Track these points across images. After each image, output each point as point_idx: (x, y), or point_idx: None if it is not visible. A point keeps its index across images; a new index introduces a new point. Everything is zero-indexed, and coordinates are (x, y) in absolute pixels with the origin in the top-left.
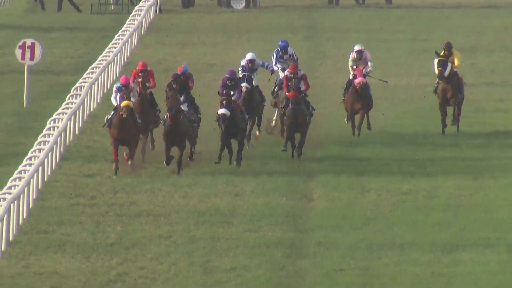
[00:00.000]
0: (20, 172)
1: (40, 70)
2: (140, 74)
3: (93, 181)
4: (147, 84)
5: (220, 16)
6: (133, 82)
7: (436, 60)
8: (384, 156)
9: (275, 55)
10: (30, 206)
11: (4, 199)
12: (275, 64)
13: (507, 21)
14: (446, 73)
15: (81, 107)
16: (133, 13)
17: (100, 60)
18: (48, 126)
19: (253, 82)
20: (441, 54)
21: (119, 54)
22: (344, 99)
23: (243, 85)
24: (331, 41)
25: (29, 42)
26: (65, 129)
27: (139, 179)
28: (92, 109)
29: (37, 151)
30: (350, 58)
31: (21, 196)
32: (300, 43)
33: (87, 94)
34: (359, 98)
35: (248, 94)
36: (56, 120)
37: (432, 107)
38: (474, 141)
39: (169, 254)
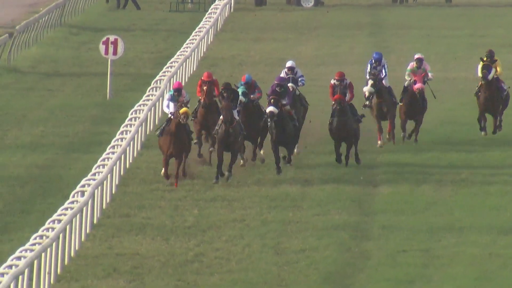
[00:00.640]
0: (103, 160)
1: (122, 64)
2: (205, 84)
3: (171, 168)
4: (213, 92)
5: (291, 14)
6: (199, 91)
7: (480, 65)
8: (443, 146)
9: (369, 66)
10: (113, 192)
11: (89, 185)
12: (367, 82)
13: None
14: (490, 76)
15: (160, 98)
16: (209, 11)
17: (178, 55)
18: (130, 116)
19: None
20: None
21: (196, 49)
22: (400, 105)
23: (289, 84)
24: (394, 37)
25: (112, 38)
26: (145, 120)
27: (214, 168)
28: None
29: (119, 140)
30: (409, 67)
31: (105, 182)
32: (365, 39)
33: (166, 87)
34: (416, 104)
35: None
36: (138, 111)
37: None
38: None
39: (243, 236)
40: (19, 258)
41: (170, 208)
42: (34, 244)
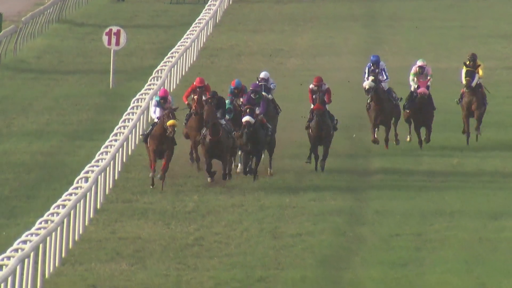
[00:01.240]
0: (106, 147)
1: (124, 54)
2: (197, 89)
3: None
4: (204, 98)
5: (288, 6)
6: (189, 97)
7: (463, 70)
8: (434, 134)
9: (367, 69)
10: (116, 178)
11: (92, 171)
12: (366, 77)
13: None
14: (474, 83)
15: (162, 88)
16: (209, 3)
17: (179, 46)
18: (132, 105)
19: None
20: (467, 63)
21: (196, 40)
22: (406, 111)
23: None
24: (388, 28)
25: (114, 29)
26: (147, 108)
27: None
28: (172, 89)
29: (122, 128)
30: (412, 72)
31: (108, 168)
32: (359, 30)
33: (167, 76)
34: (422, 110)
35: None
36: (139, 100)
37: None
38: None
39: (241, 221)
40: (25, 242)
41: (171, 194)
42: (39, 229)
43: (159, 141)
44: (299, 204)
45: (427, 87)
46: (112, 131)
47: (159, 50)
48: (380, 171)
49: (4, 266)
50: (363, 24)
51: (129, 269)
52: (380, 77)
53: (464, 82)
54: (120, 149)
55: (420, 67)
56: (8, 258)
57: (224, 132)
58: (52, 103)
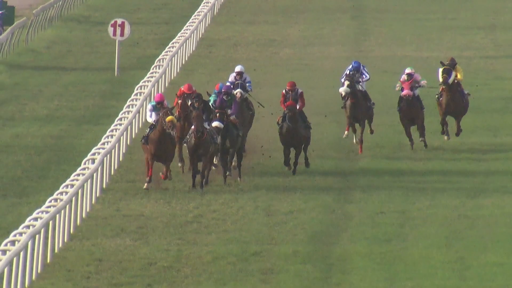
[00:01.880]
0: (112, 131)
1: (129, 45)
2: (184, 95)
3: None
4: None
5: None
6: (176, 102)
7: (440, 69)
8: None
9: (347, 71)
10: (120, 159)
11: (99, 153)
12: (342, 83)
13: None
14: (450, 80)
15: (163, 76)
16: None
17: (179, 36)
18: (135, 92)
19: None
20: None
21: (195, 31)
22: (398, 111)
23: (237, 91)
24: (374, 20)
25: (119, 21)
26: (150, 94)
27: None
28: (172, 77)
29: (126, 113)
30: (401, 79)
31: (113, 150)
32: (347, 21)
33: (168, 65)
34: (411, 110)
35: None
36: (142, 86)
37: None
38: (494, 105)
39: (237, 200)
40: (36, 219)
41: (172, 174)
42: (49, 207)
43: (158, 143)
44: (291, 184)
45: (411, 88)
46: (117, 116)
47: (160, 41)
48: (366, 152)
49: (16, 242)
50: (351, 16)
51: (132, 244)
52: (362, 76)
53: (440, 79)
54: (125, 133)
55: (408, 74)
56: (20, 234)
57: (208, 135)
58: (61, 90)
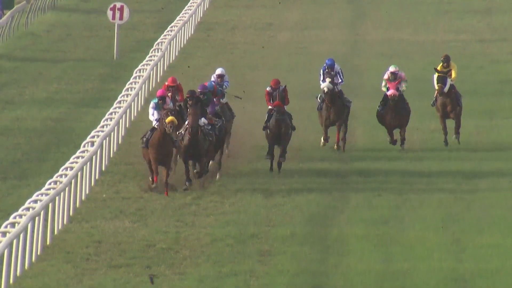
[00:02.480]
0: (111, 114)
1: (127, 28)
2: (170, 89)
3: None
4: (176, 97)
5: None
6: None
7: (435, 76)
8: (413, 102)
9: (322, 71)
10: (119, 142)
11: (98, 136)
12: (323, 80)
13: None
14: (446, 89)
15: (162, 59)
16: None
17: (178, 20)
18: (134, 75)
19: (224, 99)
20: (439, 67)
21: (193, 15)
22: (381, 113)
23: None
24: (370, 4)
25: (118, 5)
26: (148, 78)
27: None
28: (171, 61)
29: (125, 96)
30: (385, 77)
31: (112, 133)
32: (344, 5)
33: (167, 49)
34: (395, 112)
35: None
36: (141, 70)
37: (454, 59)
38: (489, 88)
39: (235, 182)
40: (35, 201)
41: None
42: (49, 189)
43: (159, 147)
44: (288, 167)
45: (397, 89)
46: (116, 99)
47: (159, 24)
48: (363, 135)
49: (16, 224)
50: (347, 0)
51: (131, 226)
52: (335, 79)
53: (436, 88)
54: (124, 116)
55: (392, 73)
56: (20, 216)
57: (202, 134)
58: (60, 73)
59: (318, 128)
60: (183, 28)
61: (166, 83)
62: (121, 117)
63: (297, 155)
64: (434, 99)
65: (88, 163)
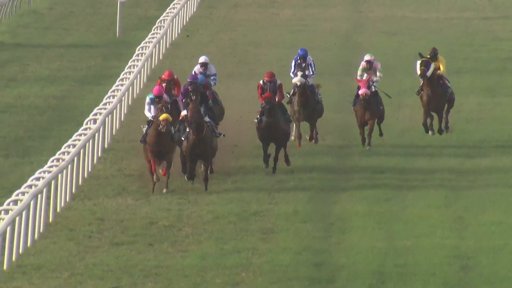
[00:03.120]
0: (113, 91)
1: (130, 6)
2: (164, 82)
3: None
4: (172, 91)
5: None
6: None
7: (419, 62)
8: (416, 79)
9: (293, 62)
10: (122, 119)
11: (100, 113)
12: (293, 72)
13: None
14: (429, 72)
15: (164, 36)
16: None
17: None
18: (137, 52)
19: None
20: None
21: None
22: (354, 109)
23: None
24: None
25: None
26: (151, 55)
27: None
28: (173, 38)
29: (127, 73)
30: (360, 67)
31: (114, 110)
32: None
33: (169, 26)
34: (367, 109)
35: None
36: (144, 47)
37: (457, 36)
38: (492, 65)
39: (238, 159)
40: (38, 178)
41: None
42: (51, 166)
43: (156, 142)
44: (291, 144)
45: (369, 87)
46: (119, 76)
47: (161, 2)
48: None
49: (19, 201)
50: None
51: (134, 203)
52: (307, 71)
53: (418, 72)
54: (126, 93)
55: (367, 62)
56: (23, 193)
57: (208, 131)
58: (63, 51)
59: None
60: (185, 5)
61: (162, 76)
62: (124, 94)
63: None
64: (419, 87)
65: (90, 141)
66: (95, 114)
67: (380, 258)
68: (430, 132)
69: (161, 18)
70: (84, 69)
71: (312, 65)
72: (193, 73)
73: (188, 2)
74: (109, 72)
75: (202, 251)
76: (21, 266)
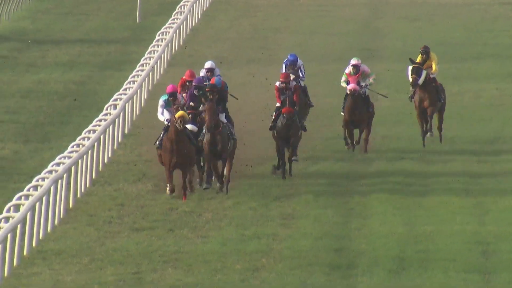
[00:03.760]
0: (134, 76)
1: None
2: (187, 84)
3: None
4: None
5: None
6: (180, 93)
7: (410, 67)
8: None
9: (284, 66)
10: (142, 105)
11: (121, 99)
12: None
13: None
14: (421, 81)
15: (184, 22)
16: None
17: None
18: (157, 38)
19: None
20: (418, 59)
21: None
22: (342, 112)
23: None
24: None
25: None
26: (171, 40)
27: None
28: (193, 24)
29: (148, 59)
30: (346, 71)
31: (135, 96)
32: None
33: (189, 11)
34: (356, 108)
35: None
36: (164, 33)
37: (477, 21)
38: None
39: (258, 146)
40: (58, 164)
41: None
42: (71, 152)
43: (174, 149)
44: (310, 129)
45: (358, 83)
46: (139, 61)
47: None
48: (385, 102)
49: (39, 187)
50: None
51: (154, 189)
52: (300, 75)
53: (410, 80)
54: (146, 79)
55: (354, 66)
56: (43, 179)
57: (224, 128)
58: (83, 36)
59: (340, 91)
60: None
61: (184, 78)
62: (144, 80)
63: (318, 117)
64: (411, 93)
65: (110, 126)
66: (115, 100)
67: (400, 244)
68: (429, 134)
69: (181, 3)
70: (104, 54)
71: (302, 68)
72: (201, 75)
73: None
74: (129, 57)
75: (222, 236)
76: (41, 251)
